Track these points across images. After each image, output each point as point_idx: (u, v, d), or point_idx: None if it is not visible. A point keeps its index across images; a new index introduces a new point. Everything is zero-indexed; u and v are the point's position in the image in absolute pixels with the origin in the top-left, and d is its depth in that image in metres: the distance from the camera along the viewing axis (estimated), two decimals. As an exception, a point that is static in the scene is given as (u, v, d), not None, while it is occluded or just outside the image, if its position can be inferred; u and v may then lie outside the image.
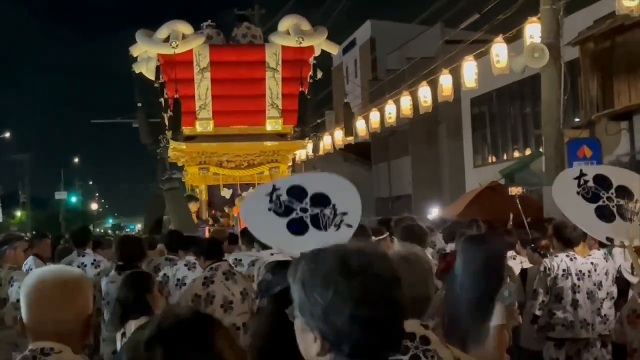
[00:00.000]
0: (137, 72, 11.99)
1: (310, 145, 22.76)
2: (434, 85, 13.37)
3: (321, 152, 21.80)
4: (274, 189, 4.49)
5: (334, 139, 20.11)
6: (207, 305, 5.89)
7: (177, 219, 11.06)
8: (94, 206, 62.21)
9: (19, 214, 51.98)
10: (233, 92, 11.77)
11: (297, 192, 4.50)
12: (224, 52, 11.86)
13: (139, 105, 12.11)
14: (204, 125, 11.80)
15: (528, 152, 20.62)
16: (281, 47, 11.64)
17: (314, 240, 4.27)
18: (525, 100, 21.15)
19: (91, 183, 65.57)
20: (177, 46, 11.18)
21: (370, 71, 33.52)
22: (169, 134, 11.86)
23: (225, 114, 11.85)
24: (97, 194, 65.93)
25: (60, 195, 49.85)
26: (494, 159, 22.96)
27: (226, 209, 12.04)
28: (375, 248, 1.74)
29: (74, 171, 59.10)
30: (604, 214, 4.86)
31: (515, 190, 10.76)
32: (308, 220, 4.43)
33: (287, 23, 11.71)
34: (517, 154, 21.64)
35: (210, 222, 11.88)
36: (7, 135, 41.62)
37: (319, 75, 12.23)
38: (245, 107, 11.89)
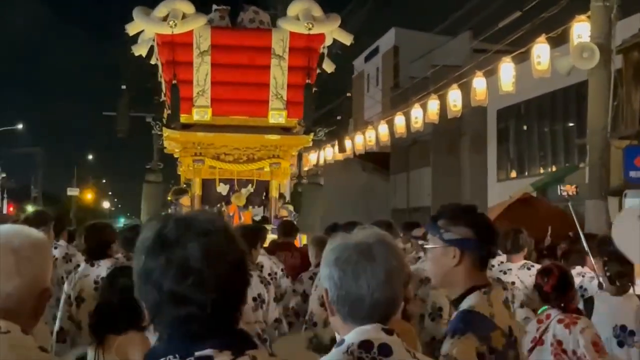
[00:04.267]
0: (137, 53, 11.08)
1: (329, 150, 22.01)
2: (463, 91, 12.69)
3: (335, 159, 21.07)
4: None
5: (354, 144, 19.44)
6: None
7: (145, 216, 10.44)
8: (106, 204, 61.56)
9: (30, 208, 51.43)
10: (234, 79, 10.84)
11: None
12: (227, 35, 10.91)
13: (123, 87, 11.18)
14: (200, 113, 10.86)
15: (554, 168, 19.81)
16: (289, 33, 10.67)
17: None
18: (555, 113, 20.34)
19: (104, 181, 65.00)
20: (175, 25, 10.26)
21: (392, 79, 32.76)
22: (165, 119, 10.94)
23: (225, 102, 10.91)
24: (110, 192, 65.28)
25: (72, 191, 49.19)
26: (519, 174, 22.14)
27: (222, 207, 11.07)
28: (214, 219, 1.67)
29: (86, 168, 58.59)
30: None
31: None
32: None
33: (296, 7, 10.74)
34: (542, 170, 20.76)
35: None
36: (20, 127, 41.01)
37: (331, 68, 11.25)
38: (246, 96, 10.95)
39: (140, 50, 10.91)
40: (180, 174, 11.63)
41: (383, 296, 1.95)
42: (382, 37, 35.22)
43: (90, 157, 60.01)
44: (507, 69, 11.36)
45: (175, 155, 11.78)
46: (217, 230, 1.62)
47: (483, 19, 19.67)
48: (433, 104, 14.12)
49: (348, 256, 1.95)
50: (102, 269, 5.42)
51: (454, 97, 13.06)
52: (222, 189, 11.18)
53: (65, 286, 5.57)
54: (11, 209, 45.41)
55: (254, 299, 5.19)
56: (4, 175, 24.89)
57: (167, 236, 1.59)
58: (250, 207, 11.10)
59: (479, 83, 12.22)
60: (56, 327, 5.34)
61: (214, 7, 11.22)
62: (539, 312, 4.48)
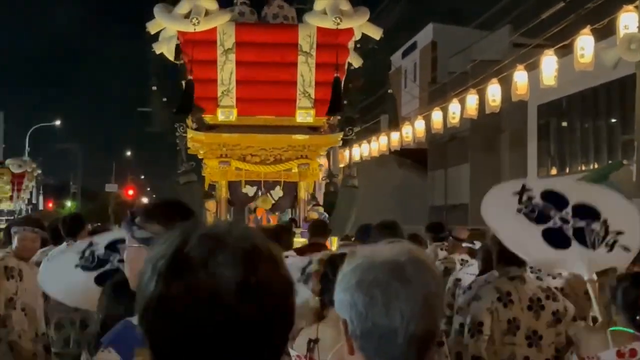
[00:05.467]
0: (158, 52, 10.72)
1: (365, 147, 21.62)
2: (503, 86, 12.29)
3: (371, 155, 20.71)
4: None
5: (390, 140, 19.13)
6: None
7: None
8: (144, 200, 61.67)
9: (68, 204, 51.88)
10: (260, 77, 10.41)
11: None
12: (252, 32, 10.49)
13: (154, 88, 10.81)
14: (225, 113, 10.47)
15: (596, 165, 19.20)
16: (316, 28, 10.22)
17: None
18: (598, 109, 19.72)
19: (142, 177, 65.27)
20: (198, 23, 9.88)
21: (429, 75, 32.30)
22: (188, 122, 10.56)
23: (251, 102, 10.51)
24: (148, 188, 65.52)
25: (111, 188, 49.47)
26: (560, 171, 21.57)
27: (250, 210, 10.68)
28: (252, 235, 1.26)
29: (124, 164, 58.91)
30: (555, 238, 3.97)
31: None
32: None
33: (324, 1, 10.27)
34: (584, 167, 20.18)
35: (230, 223, 10.53)
36: (58, 124, 41.25)
37: (358, 62, 10.77)
38: (273, 94, 10.53)
39: (161, 48, 10.56)
40: (205, 175, 11.26)
41: (420, 329, 1.55)
42: (419, 32, 34.74)
43: (128, 153, 60.30)
44: (549, 63, 10.95)
45: (200, 157, 11.44)
46: (258, 251, 1.23)
47: (523, 12, 19.22)
48: (472, 99, 13.88)
49: (375, 278, 1.56)
50: None
51: (493, 92, 12.77)
52: (249, 190, 10.78)
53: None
54: (50, 205, 45.80)
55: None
56: (39, 171, 24.85)
57: (190, 256, 1.20)
58: (277, 212, 10.69)
59: (520, 77, 11.87)
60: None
61: (237, 0, 10.79)
62: (611, 331, 3.45)
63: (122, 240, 3.06)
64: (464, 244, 7.96)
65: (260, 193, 10.76)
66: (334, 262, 3.51)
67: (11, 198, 23.09)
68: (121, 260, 3.19)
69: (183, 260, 1.20)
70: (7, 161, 23.91)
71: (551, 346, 4.72)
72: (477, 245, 7.53)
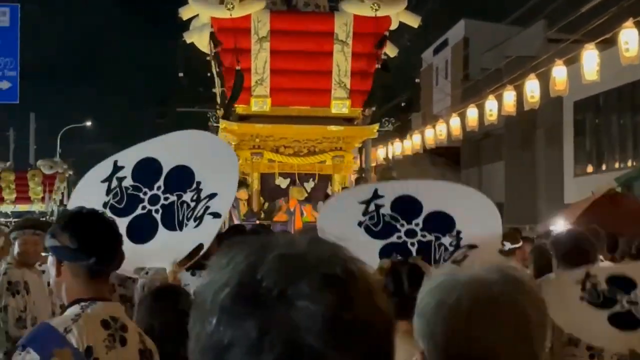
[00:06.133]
0: (188, 41, 10.56)
1: (398, 145, 21.37)
2: (540, 81, 12.19)
3: (404, 153, 20.48)
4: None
5: (424, 137, 18.88)
6: None
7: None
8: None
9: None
10: (295, 67, 10.20)
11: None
12: (287, 20, 10.27)
13: (180, 75, 10.61)
14: (259, 103, 10.25)
15: (635, 162, 18.79)
16: (353, 17, 9.97)
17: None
18: (636, 104, 19.30)
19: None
20: (232, 8, 9.66)
21: (461, 71, 31.91)
22: (219, 112, 10.37)
23: (285, 92, 10.28)
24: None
25: (141, 187, 49.57)
26: (597, 168, 21.14)
27: (281, 201, 10.44)
28: (342, 257, 0.96)
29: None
30: (397, 247, 3.70)
31: None
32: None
33: (362, -12, 10.02)
34: (621, 164, 19.77)
35: (262, 215, 10.32)
36: (89, 124, 41.42)
37: (394, 52, 10.49)
38: (307, 84, 10.30)
39: (192, 37, 10.38)
40: None
41: None
42: (451, 28, 34.35)
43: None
44: (590, 57, 10.59)
45: None
46: (351, 277, 0.95)
47: (556, 7, 18.89)
48: (509, 95, 13.52)
49: (457, 301, 1.28)
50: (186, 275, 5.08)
51: (532, 88, 12.39)
52: (281, 182, 10.55)
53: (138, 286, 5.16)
54: (81, 204, 45.91)
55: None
56: (71, 172, 24.87)
57: (263, 285, 0.93)
58: (308, 202, 10.44)
59: (559, 72, 11.51)
60: None
61: None
62: None
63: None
64: (507, 246, 7.55)
65: (292, 185, 10.52)
66: (397, 273, 3.13)
67: (43, 199, 23.04)
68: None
69: (254, 291, 0.92)
70: (38, 162, 23.91)
71: (613, 358, 4.36)
72: (507, 246, 7.09)
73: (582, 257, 4.13)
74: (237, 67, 9.80)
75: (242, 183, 10.34)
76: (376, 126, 10.55)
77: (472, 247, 3.64)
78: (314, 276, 0.92)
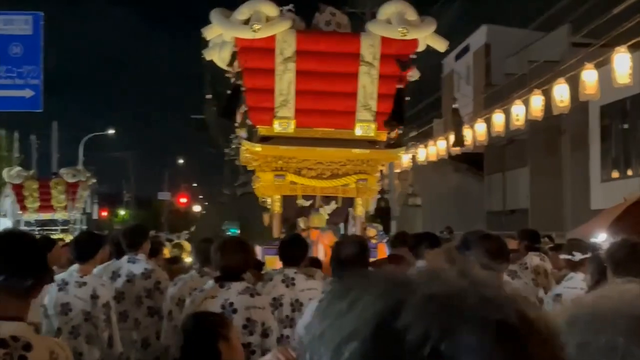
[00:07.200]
0: (208, 58, 10.36)
1: (422, 151, 21.14)
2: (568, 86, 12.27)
3: (425, 160, 20.33)
4: None
5: (448, 144, 18.79)
6: None
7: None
8: (197, 208, 61.86)
9: (122, 212, 52.21)
10: (320, 88, 9.98)
11: None
12: (313, 41, 10.05)
13: (208, 97, 10.42)
14: (283, 124, 10.03)
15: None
16: (380, 38, 9.74)
17: None
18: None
19: (195, 185, 65.48)
20: (258, 29, 9.46)
21: (483, 77, 31.66)
22: (239, 131, 10.19)
23: (309, 113, 10.06)
24: (201, 196, 65.68)
25: (163, 196, 49.66)
26: (625, 173, 20.85)
27: (301, 223, 10.21)
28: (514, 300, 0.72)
29: (177, 172, 59.15)
30: None
31: None
32: None
33: (389, 10, 9.81)
34: None
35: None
36: (112, 132, 41.55)
37: (416, 76, 10.25)
38: (332, 106, 10.07)
39: (212, 55, 10.20)
40: (255, 189, 10.84)
41: None
42: (472, 34, 34.13)
43: (180, 161, 60.55)
44: (622, 60, 10.39)
45: (249, 168, 11.03)
46: (525, 323, 0.72)
47: (581, 12, 18.75)
48: (537, 100, 13.46)
49: (606, 343, 1.02)
50: (232, 292, 5.05)
51: (561, 92, 12.23)
52: (303, 203, 10.32)
53: (187, 305, 5.15)
54: (104, 213, 46.13)
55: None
56: (94, 180, 24.89)
57: (406, 337, 0.70)
58: (330, 230, 10.19)
59: (589, 76, 11.38)
60: (172, 353, 5.11)
61: (283, 8, 10.31)
62: None
63: None
64: (562, 256, 7.26)
65: (313, 209, 10.29)
66: None
67: (66, 208, 23.11)
68: None
69: (394, 347, 0.70)
70: (61, 170, 24.01)
71: None
72: (578, 256, 6.79)
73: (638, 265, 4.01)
74: (237, 82, 9.66)
75: (263, 208, 10.17)
76: (402, 150, 10.32)
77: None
78: (479, 325, 0.69)
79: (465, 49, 34.92)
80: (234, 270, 5.14)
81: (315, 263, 7.98)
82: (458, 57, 35.29)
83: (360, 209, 10.36)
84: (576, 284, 6.07)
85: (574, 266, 6.72)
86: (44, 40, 25.03)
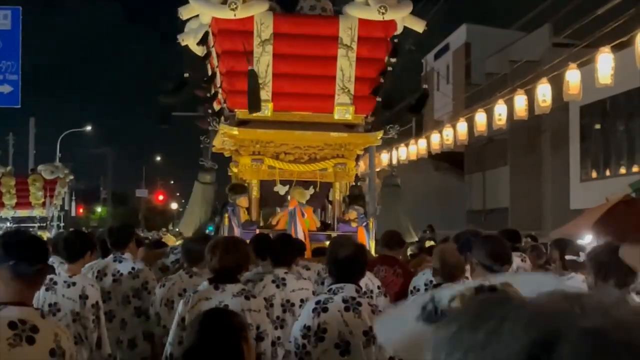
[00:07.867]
0: (183, 43, 10.27)
1: (403, 150, 21.13)
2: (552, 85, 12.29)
3: (409, 159, 20.35)
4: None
5: (429, 142, 18.76)
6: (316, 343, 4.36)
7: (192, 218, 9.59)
8: (174, 205, 61.56)
9: (99, 209, 51.83)
10: (297, 71, 9.90)
11: None
12: (290, 23, 9.97)
13: (186, 75, 10.26)
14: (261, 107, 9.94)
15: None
16: (358, 21, 9.69)
17: None
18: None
19: (172, 182, 65.18)
20: (236, 8, 9.36)
21: (463, 76, 31.70)
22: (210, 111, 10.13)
23: (287, 97, 9.98)
24: (178, 194, 65.39)
25: (141, 193, 49.31)
26: (605, 173, 21.02)
27: (278, 210, 10.15)
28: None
29: (154, 169, 58.83)
30: None
31: None
32: None
33: (367, -8, 9.74)
34: (628, 170, 19.64)
35: (261, 223, 10.04)
36: (89, 129, 41.23)
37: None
38: (310, 89, 10.00)
39: (187, 40, 10.09)
40: (232, 175, 10.70)
41: None
42: (452, 33, 34.19)
43: (158, 158, 60.20)
44: (605, 61, 10.42)
45: (226, 155, 10.93)
46: None
47: (563, 13, 18.83)
48: (520, 100, 13.46)
49: None
50: (227, 295, 4.87)
51: (544, 92, 12.27)
52: (280, 189, 10.25)
53: (180, 307, 4.95)
54: (80, 210, 45.73)
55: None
56: (72, 177, 24.64)
57: None
58: (309, 206, 10.15)
59: (572, 76, 11.37)
60: (166, 353, 4.76)
61: None
62: None
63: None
64: (567, 257, 7.15)
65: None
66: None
67: (44, 204, 22.81)
68: None
69: None
70: (39, 167, 23.68)
71: None
72: (582, 257, 6.69)
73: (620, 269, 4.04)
74: (250, 67, 9.49)
75: (244, 189, 10.04)
76: (380, 133, 10.24)
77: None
78: None
79: (445, 48, 34.98)
80: (229, 271, 4.96)
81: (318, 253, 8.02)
82: (437, 55, 35.33)
83: (338, 194, 10.30)
84: (576, 283, 5.98)
85: (575, 266, 6.64)
86: (22, 36, 24.75)
